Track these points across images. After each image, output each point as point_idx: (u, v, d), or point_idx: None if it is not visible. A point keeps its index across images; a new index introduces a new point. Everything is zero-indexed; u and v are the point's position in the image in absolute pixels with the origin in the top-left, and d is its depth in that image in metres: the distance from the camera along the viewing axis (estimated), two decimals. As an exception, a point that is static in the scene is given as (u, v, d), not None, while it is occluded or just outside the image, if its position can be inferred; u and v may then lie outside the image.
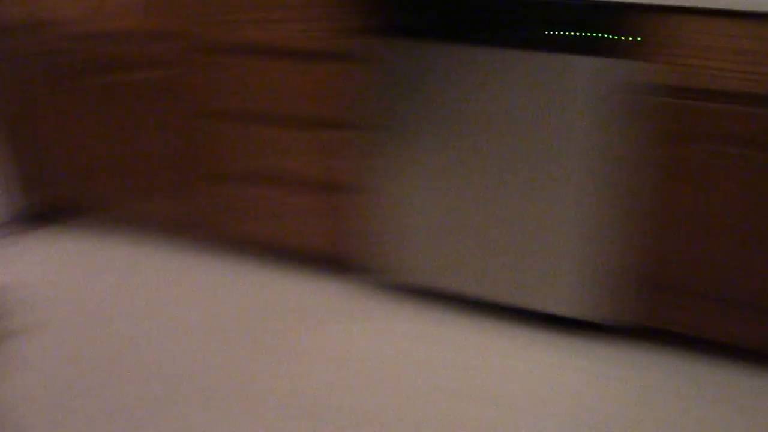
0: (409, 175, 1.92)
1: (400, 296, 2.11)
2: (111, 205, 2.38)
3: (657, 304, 1.79)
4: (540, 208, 1.80)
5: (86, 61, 2.17)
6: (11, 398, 1.73)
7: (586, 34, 1.62)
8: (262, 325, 2.00)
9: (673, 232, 1.70)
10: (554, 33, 1.64)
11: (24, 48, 2.22)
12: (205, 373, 1.82)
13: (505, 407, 1.68)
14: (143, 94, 2.14)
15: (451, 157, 1.85)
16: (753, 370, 1.80)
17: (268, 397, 1.73)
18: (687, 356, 1.85)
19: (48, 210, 2.52)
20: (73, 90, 2.24)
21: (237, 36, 1.96)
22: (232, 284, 2.20)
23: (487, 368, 1.82)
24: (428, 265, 1.99)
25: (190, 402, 1.73)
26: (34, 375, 1.81)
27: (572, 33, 1.63)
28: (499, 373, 1.80)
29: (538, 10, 1.64)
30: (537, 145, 1.75)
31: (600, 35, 1.60)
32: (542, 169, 1.76)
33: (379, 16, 1.79)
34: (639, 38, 1.57)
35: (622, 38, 1.58)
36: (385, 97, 1.86)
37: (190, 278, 2.24)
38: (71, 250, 2.40)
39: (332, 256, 2.14)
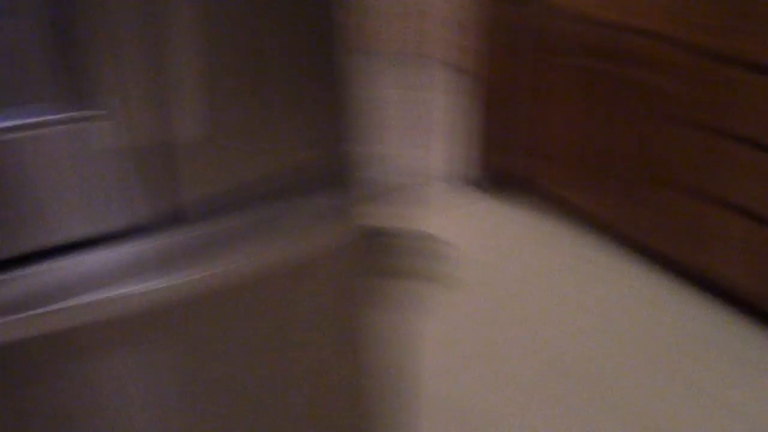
0: None
1: None
2: (559, 189, 2.47)
3: None
4: None
5: (576, 46, 2.22)
6: (422, 336, 1.98)
7: None
8: (669, 353, 1.92)
9: None
10: None
11: (522, 21, 2.34)
12: (596, 378, 1.83)
13: None
14: (622, 90, 2.12)
15: None
16: None
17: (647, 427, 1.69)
18: None
19: (501, 178, 2.70)
20: (556, 70, 2.32)
21: (746, 51, 1.81)
22: (651, 299, 2.14)
23: None
24: None
25: (577, 401, 1.75)
26: (443, 323, 2.03)
27: None
28: None
29: None
30: None
31: None
32: None
33: None
34: None
35: None
36: None
37: (614, 280, 2.23)
38: (511, 221, 2.56)
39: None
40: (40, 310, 0.84)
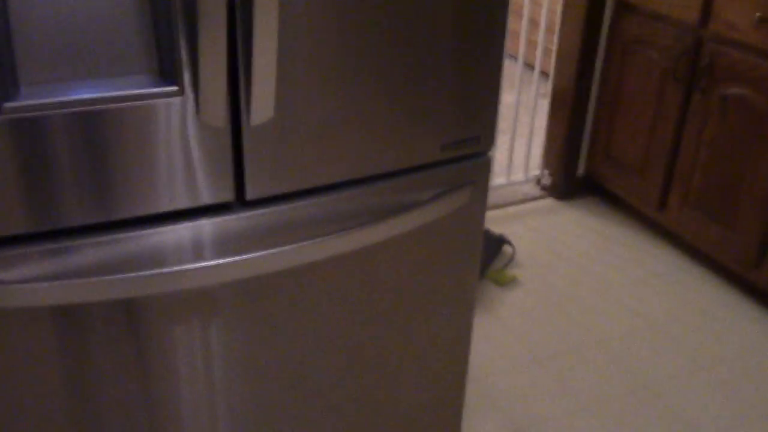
0: None
1: None
2: (628, 195, 2.48)
3: None
4: None
5: (658, 51, 2.23)
6: (476, 333, 2.02)
7: None
8: (723, 366, 1.91)
9: None
10: None
11: (635, 35, 2.32)
12: (653, 388, 1.83)
13: None
14: (701, 100, 2.12)
15: None
16: None
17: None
18: None
19: (571, 181, 2.69)
20: (635, 76, 2.33)
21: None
22: (714, 311, 2.12)
23: None
24: None
25: (631, 410, 1.75)
26: (498, 322, 2.06)
27: None
28: None
29: None
30: None
31: None
32: None
33: None
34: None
35: None
36: None
37: (678, 290, 2.22)
38: (577, 224, 2.55)
39: None
40: (130, 275, 0.90)
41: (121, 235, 0.90)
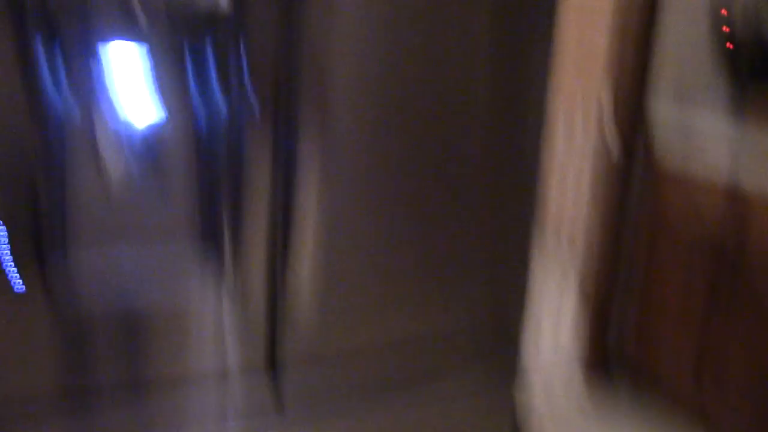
0: None
1: None
2: (669, 379, 2.36)
3: None
4: None
5: (696, 232, 2.20)
6: None
7: None
8: None
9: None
10: None
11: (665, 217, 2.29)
12: None
13: None
14: (746, 286, 2.07)
15: None
16: None
17: None
18: None
19: (618, 364, 2.55)
20: (673, 253, 2.28)
21: None
22: None
23: None
24: None
25: None
26: None
27: None
28: None
29: None
30: None
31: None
32: None
33: None
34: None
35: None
36: None
37: None
38: (624, 411, 2.37)
39: None
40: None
41: (148, 395, 0.90)
